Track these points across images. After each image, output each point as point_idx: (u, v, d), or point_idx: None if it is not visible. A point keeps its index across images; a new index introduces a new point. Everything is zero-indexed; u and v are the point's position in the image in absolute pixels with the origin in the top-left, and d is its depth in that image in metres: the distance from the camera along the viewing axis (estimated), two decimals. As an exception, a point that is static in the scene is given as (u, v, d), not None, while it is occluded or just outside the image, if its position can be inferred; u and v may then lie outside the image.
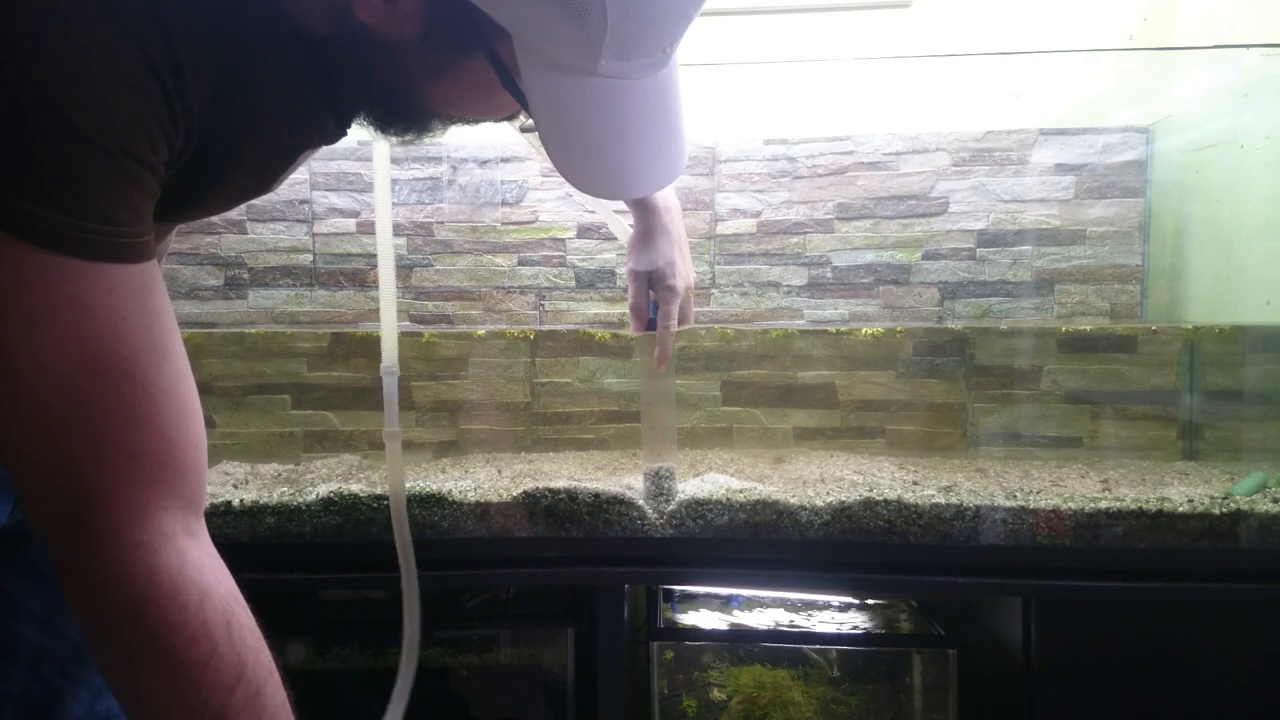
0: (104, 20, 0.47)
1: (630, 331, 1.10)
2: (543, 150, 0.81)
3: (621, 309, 1.66)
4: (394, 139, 0.67)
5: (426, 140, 0.68)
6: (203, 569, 0.56)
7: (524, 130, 0.71)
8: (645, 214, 1.04)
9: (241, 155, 0.60)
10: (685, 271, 1.05)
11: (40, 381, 0.49)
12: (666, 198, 1.04)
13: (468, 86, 0.60)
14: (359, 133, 0.68)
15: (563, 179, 0.62)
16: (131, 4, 0.48)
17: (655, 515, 1.15)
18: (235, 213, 1.62)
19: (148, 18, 0.49)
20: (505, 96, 0.59)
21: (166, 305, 0.56)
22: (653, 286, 1.04)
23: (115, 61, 0.48)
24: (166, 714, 0.54)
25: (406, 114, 0.64)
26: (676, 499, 1.16)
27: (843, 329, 1.56)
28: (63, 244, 0.48)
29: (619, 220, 1.13)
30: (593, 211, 1.64)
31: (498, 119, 0.67)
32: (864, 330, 1.54)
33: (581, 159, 0.61)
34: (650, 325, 1.08)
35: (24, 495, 0.53)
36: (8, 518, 0.67)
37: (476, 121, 0.67)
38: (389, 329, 1.01)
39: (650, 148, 0.62)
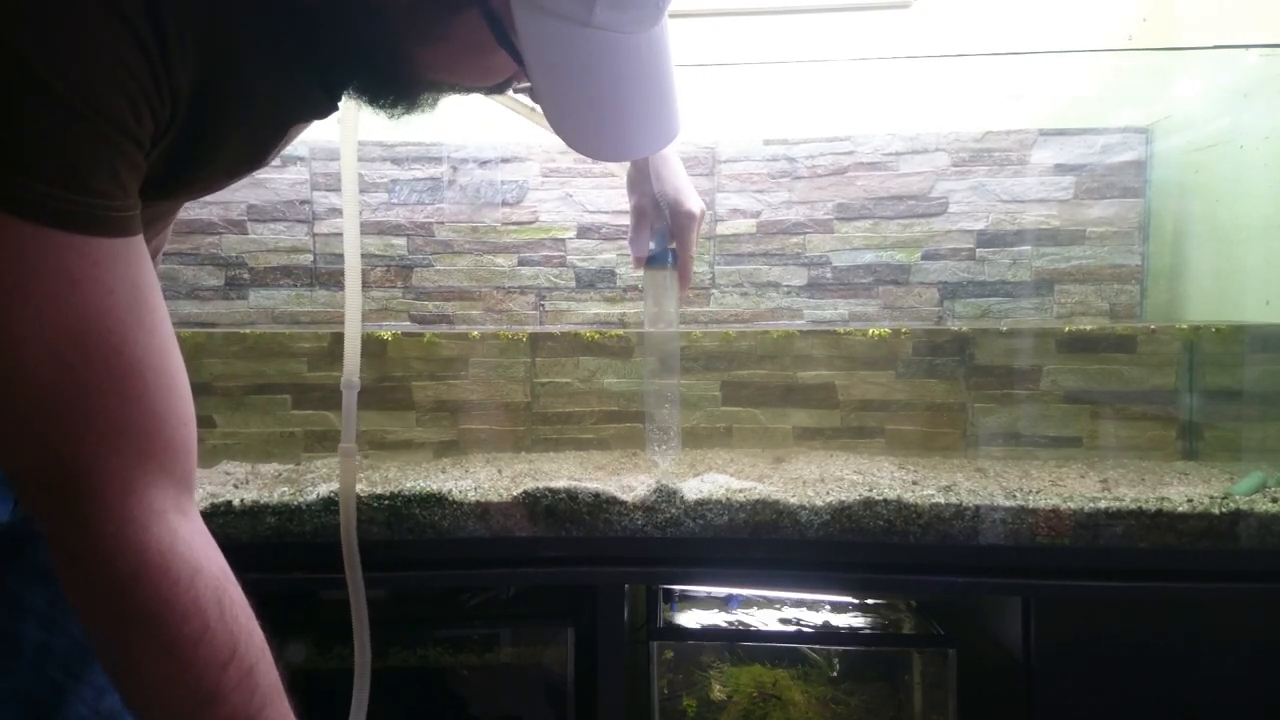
0: None
1: (630, 329, 1.10)
2: (530, 114, 0.80)
3: (621, 310, 1.66)
4: (385, 112, 0.65)
5: (418, 114, 0.66)
6: (193, 545, 0.55)
7: (516, 91, 0.70)
8: None
9: (230, 129, 0.59)
10: (696, 196, 1.03)
11: (25, 355, 0.49)
12: None
13: (460, 46, 0.59)
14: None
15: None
16: None
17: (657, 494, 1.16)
18: (235, 213, 1.63)
19: None
20: (498, 58, 0.58)
21: (153, 281, 0.55)
22: (666, 215, 1.02)
23: (98, 31, 0.47)
24: (159, 691, 0.54)
25: (397, 82, 0.63)
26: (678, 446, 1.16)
27: (850, 330, 1.56)
28: (46, 215, 0.48)
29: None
30: (590, 211, 1.64)
31: (490, 87, 0.66)
32: (870, 331, 1.54)
33: (577, 116, 0.60)
34: (653, 259, 1.06)
35: (12, 474, 0.52)
36: (10, 516, 0.67)
37: (469, 89, 0.66)
38: (352, 341, 0.97)
39: (644, 108, 0.62)
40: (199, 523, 0.57)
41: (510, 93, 0.71)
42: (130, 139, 0.51)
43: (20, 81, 0.46)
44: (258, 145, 0.66)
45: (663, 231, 1.04)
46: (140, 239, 0.54)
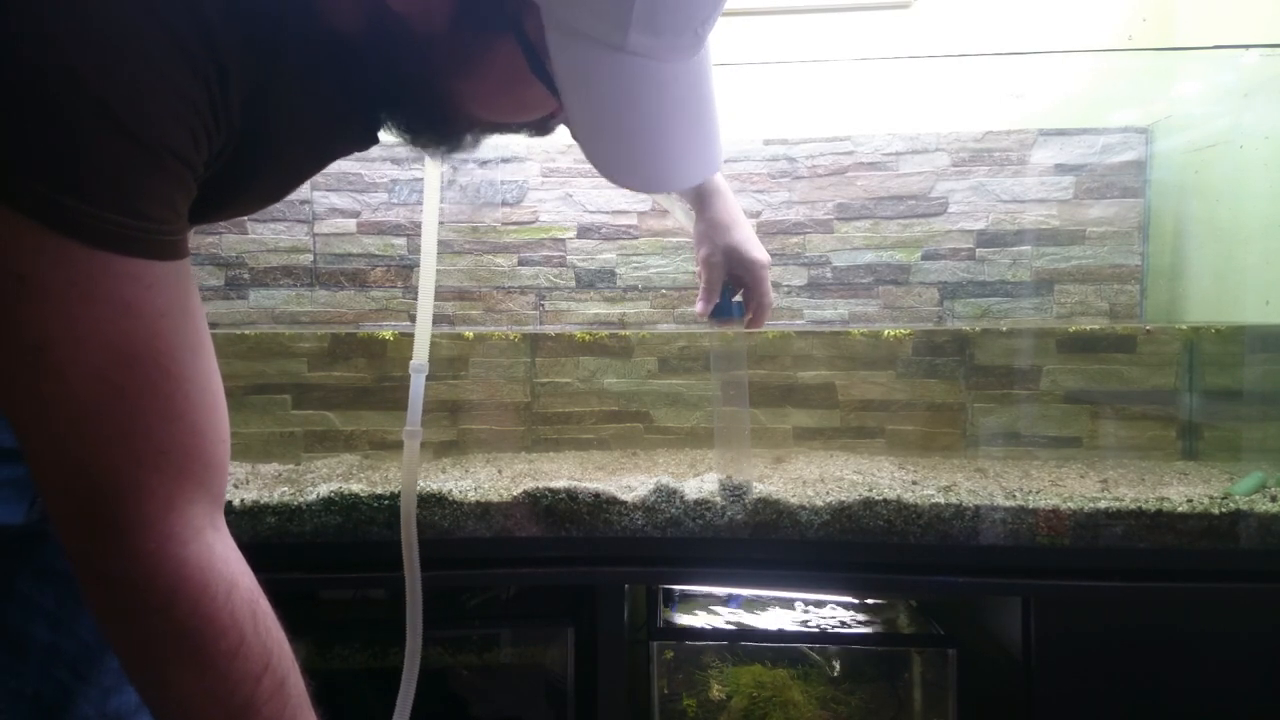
0: (148, 18, 0.47)
1: (630, 330, 1.10)
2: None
3: (621, 309, 1.66)
4: (428, 152, 0.65)
5: (460, 154, 0.66)
6: (229, 561, 0.56)
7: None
8: (709, 198, 1.03)
9: (271, 157, 0.60)
10: (761, 246, 1.05)
11: (74, 374, 0.49)
12: (722, 182, 1.04)
13: (496, 80, 0.59)
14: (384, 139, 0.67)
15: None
16: (175, 2, 0.48)
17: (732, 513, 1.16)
18: (235, 213, 1.63)
19: (191, 16, 0.48)
20: (535, 90, 0.58)
21: (198, 302, 0.56)
22: (736, 267, 1.03)
23: (159, 59, 0.48)
24: (192, 705, 0.54)
25: (435, 117, 0.62)
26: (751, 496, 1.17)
27: (860, 331, 1.56)
28: (103, 239, 0.48)
29: (683, 207, 1.10)
30: (590, 211, 1.64)
31: (530, 124, 0.66)
32: (884, 333, 1.54)
33: (612, 145, 0.59)
34: (722, 309, 1.07)
35: (48, 490, 0.52)
36: (23, 517, 0.67)
37: (510, 127, 0.66)
38: (423, 327, 1.01)
39: (682, 138, 0.61)
40: (230, 539, 0.58)
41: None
42: (187, 165, 0.51)
43: (82, 107, 0.46)
44: (295, 173, 0.66)
45: (728, 283, 1.05)
46: (188, 261, 0.55)
